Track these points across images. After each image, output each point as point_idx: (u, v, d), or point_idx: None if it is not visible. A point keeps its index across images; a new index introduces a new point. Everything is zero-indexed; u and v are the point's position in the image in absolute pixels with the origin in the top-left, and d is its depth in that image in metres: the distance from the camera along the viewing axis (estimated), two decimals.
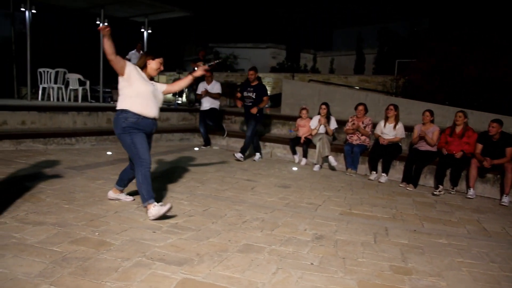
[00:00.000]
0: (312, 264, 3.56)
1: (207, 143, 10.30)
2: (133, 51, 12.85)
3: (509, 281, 3.50)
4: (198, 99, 10.79)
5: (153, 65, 4.64)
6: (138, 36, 13.62)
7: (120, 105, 4.44)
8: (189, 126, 11.35)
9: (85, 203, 4.82)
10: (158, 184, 5.99)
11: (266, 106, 14.34)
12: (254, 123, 8.62)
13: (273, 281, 3.16)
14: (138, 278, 3.04)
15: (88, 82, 12.18)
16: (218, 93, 10.17)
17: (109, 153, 8.17)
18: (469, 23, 12.81)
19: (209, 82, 10.13)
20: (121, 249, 3.56)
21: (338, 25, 26.51)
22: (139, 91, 4.45)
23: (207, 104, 10.15)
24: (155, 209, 4.35)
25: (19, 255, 3.27)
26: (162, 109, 11.22)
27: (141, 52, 12.64)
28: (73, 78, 11.94)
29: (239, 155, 8.50)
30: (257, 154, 8.92)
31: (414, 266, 3.69)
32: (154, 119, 4.61)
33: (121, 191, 5.03)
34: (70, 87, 11.90)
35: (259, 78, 9.05)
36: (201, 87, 10.20)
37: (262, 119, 9.20)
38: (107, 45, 4.20)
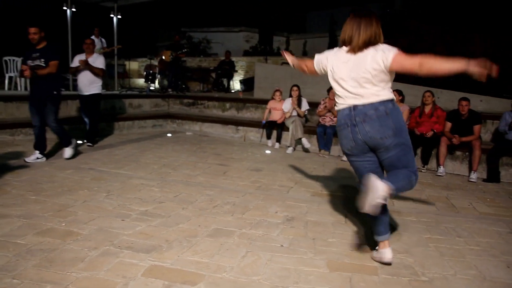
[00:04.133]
0: (282, 246, 3.57)
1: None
2: (91, 37, 12.45)
3: (473, 254, 3.57)
4: (70, 73, 8.58)
5: None
6: (108, 22, 13.30)
7: (388, 95, 3.06)
8: (162, 112, 11.22)
9: (52, 193, 4.73)
10: (129, 172, 5.93)
11: (240, 89, 14.31)
12: (54, 107, 6.30)
13: (242, 265, 3.16)
14: (105, 267, 3.00)
15: None
16: (102, 69, 7.76)
17: (79, 142, 8.01)
18: (441, 4, 12.93)
19: (89, 54, 7.74)
20: (88, 238, 3.51)
21: (312, 7, 26.42)
22: None
23: (85, 86, 7.75)
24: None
25: None
26: (134, 96, 11.16)
27: (100, 37, 12.26)
28: None
29: (68, 153, 6.52)
30: (66, 150, 6.53)
31: None
32: None
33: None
34: None
35: (46, 38, 6.32)
36: (77, 60, 7.72)
37: (60, 99, 6.50)
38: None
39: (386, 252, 3.26)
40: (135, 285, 2.79)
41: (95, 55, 7.84)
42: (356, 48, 3.04)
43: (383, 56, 2.93)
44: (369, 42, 3.02)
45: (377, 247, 3.36)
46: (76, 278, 2.83)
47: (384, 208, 3.26)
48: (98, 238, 3.53)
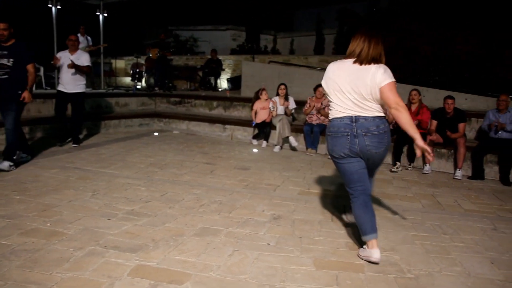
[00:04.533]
0: (268, 244, 3.57)
1: (69, 136, 7.71)
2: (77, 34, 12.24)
3: (458, 251, 3.61)
4: (53, 65, 7.50)
5: None
6: (95, 20, 13.18)
7: (382, 111, 3.34)
8: (149, 111, 11.15)
9: (37, 193, 4.68)
10: (115, 171, 5.89)
11: (227, 88, 14.24)
12: (16, 109, 5.73)
13: (229, 263, 3.15)
14: (91, 267, 2.98)
15: (42, 69, 11.77)
16: (88, 66, 7.50)
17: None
18: (427, 2, 13.04)
19: (73, 51, 7.44)
20: (73, 238, 3.48)
21: (299, 6, 26.45)
22: None
23: (70, 84, 7.38)
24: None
25: None
26: (120, 95, 11.06)
27: (86, 36, 12.09)
28: None
29: (5, 165, 5.56)
30: (5, 163, 5.59)
31: None
32: None
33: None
34: None
35: (14, 35, 5.86)
36: (63, 57, 7.33)
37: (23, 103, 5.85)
38: None
39: (373, 252, 3.29)
40: (121, 285, 2.78)
41: (79, 51, 7.54)
42: (365, 61, 3.23)
43: (382, 78, 3.16)
44: (375, 59, 3.24)
45: (364, 245, 3.38)
46: (61, 278, 2.81)
47: (369, 207, 3.38)
48: (83, 238, 3.50)
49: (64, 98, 7.44)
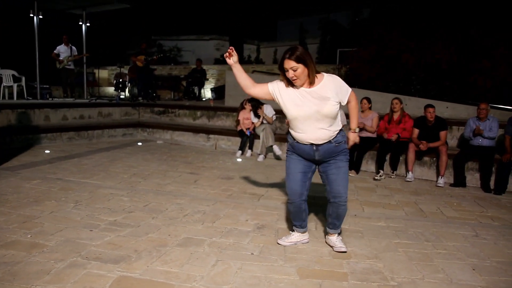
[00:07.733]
0: (252, 254, 3.56)
1: None
2: (60, 45, 12.18)
3: (441, 258, 3.64)
4: None
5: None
6: (77, 29, 13.12)
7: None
8: (132, 121, 11.09)
9: (18, 204, 4.61)
10: (98, 181, 5.84)
11: (211, 98, 14.25)
12: None
13: (212, 274, 3.13)
14: (72, 279, 2.93)
15: (23, 78, 11.66)
16: None
17: (47, 151, 7.86)
18: (408, 12, 13.23)
19: None
20: (54, 250, 3.43)
21: (282, 16, 26.64)
22: None
23: None
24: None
25: None
26: (104, 104, 10.99)
27: (70, 45, 12.04)
28: (7, 74, 11.40)
29: None
30: None
31: (353, 250, 3.76)
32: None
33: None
34: (4, 83, 11.35)
35: None
36: None
37: None
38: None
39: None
40: None
41: None
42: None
43: None
44: None
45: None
46: None
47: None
48: (65, 249, 3.45)
49: None
